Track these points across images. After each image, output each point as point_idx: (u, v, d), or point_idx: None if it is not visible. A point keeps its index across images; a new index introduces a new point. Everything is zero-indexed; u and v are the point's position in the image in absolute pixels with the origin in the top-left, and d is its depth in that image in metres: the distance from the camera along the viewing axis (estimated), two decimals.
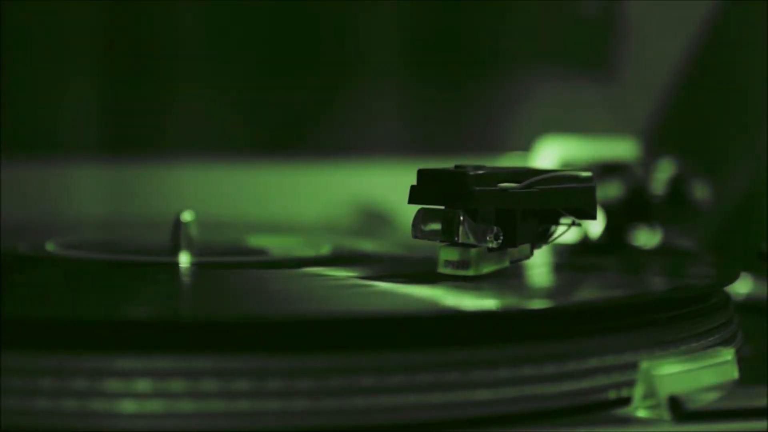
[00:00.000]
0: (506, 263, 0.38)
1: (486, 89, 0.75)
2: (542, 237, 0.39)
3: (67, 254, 0.46)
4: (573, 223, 0.39)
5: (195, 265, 0.42)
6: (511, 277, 0.38)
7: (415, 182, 0.38)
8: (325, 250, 0.47)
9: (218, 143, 0.73)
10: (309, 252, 0.47)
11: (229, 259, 0.45)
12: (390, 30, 0.73)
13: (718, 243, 0.63)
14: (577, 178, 0.39)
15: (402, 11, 0.73)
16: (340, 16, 0.74)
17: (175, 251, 0.44)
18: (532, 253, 0.39)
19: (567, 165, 0.57)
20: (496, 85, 0.74)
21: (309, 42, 0.73)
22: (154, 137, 0.72)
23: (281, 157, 0.72)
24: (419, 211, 0.38)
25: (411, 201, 0.38)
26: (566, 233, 0.39)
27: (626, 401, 0.32)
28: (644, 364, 0.32)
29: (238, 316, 0.32)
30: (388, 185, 0.63)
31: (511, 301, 0.35)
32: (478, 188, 0.36)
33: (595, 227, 0.53)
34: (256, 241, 0.52)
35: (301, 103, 0.74)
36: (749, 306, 0.46)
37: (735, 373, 0.34)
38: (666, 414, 0.31)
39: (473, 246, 0.37)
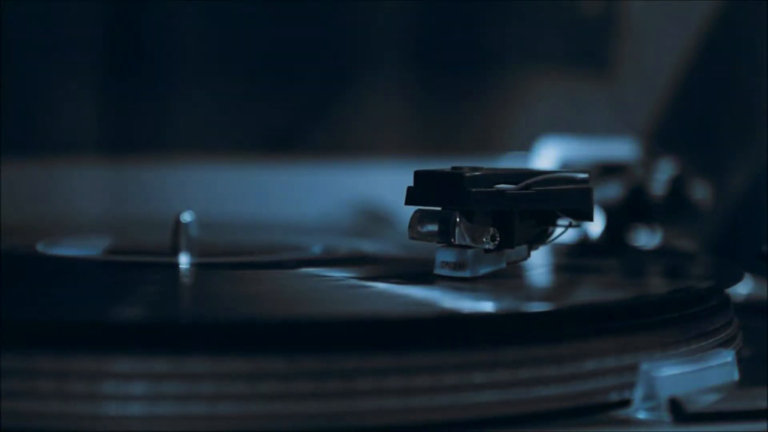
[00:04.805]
0: (503, 264, 0.38)
1: (486, 89, 0.75)
2: (539, 238, 0.39)
3: (65, 254, 0.46)
4: (570, 225, 0.39)
5: (195, 266, 0.42)
6: (508, 279, 0.38)
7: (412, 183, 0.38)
8: (324, 250, 0.47)
9: (218, 143, 0.73)
10: (308, 252, 0.47)
11: (229, 260, 0.45)
12: (390, 30, 0.73)
13: (718, 243, 0.63)
14: (573, 180, 0.39)
15: (402, 11, 0.73)
16: (340, 17, 0.74)
17: (175, 251, 0.44)
18: (529, 255, 0.39)
19: (567, 166, 0.57)
20: (496, 85, 0.74)
21: (309, 42, 0.73)
22: (154, 137, 0.72)
23: (281, 157, 0.72)
24: (416, 212, 0.38)
25: (408, 202, 0.38)
26: (564, 234, 0.39)
27: (626, 403, 0.32)
28: (644, 366, 0.32)
29: (236, 317, 0.32)
30: (388, 185, 0.63)
31: (509, 303, 0.35)
32: (474, 189, 0.36)
33: (595, 228, 0.53)
34: (256, 241, 0.52)
35: (301, 103, 0.74)
36: (749, 306, 0.46)
37: (735, 375, 0.34)
38: (666, 415, 0.31)
39: (470, 247, 0.37)
